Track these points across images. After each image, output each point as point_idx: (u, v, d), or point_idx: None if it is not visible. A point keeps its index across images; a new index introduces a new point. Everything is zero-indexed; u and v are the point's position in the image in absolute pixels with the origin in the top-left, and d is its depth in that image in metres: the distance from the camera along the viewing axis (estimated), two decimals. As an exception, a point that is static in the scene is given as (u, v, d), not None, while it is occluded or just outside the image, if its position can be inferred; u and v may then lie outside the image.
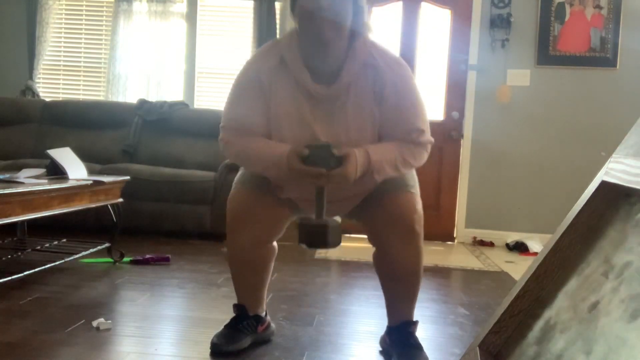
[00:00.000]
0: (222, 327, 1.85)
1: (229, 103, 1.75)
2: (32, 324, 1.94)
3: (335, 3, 1.59)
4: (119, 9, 5.25)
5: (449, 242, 4.54)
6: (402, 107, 1.69)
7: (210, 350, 1.77)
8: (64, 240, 3.13)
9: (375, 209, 1.77)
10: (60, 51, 5.45)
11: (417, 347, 1.77)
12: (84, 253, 2.81)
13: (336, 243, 1.63)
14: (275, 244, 1.97)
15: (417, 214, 1.74)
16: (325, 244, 1.63)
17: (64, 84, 5.47)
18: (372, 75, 1.66)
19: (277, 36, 5.18)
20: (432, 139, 1.78)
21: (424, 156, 1.76)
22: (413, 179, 1.83)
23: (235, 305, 1.89)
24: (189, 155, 4.35)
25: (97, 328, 1.92)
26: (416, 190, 1.80)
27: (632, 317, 0.87)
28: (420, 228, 1.74)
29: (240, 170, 1.94)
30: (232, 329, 1.83)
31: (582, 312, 1.01)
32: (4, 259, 2.67)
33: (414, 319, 1.84)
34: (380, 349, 1.89)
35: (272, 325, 1.98)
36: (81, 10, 5.44)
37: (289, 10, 1.77)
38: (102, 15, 5.43)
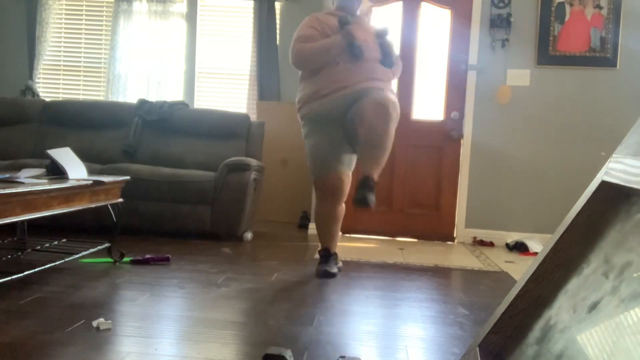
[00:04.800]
0: (221, 327, 1.84)
1: (299, 30, 2.99)
2: (32, 324, 1.94)
3: None
4: (119, 9, 5.26)
5: (449, 242, 4.54)
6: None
7: (320, 275, 2.88)
8: (64, 240, 3.13)
9: (366, 99, 2.79)
10: (60, 51, 5.46)
11: (371, 189, 2.73)
12: (84, 253, 2.81)
13: None
14: (343, 206, 3.01)
15: (392, 103, 2.80)
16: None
17: (64, 84, 5.47)
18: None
19: (277, 36, 5.18)
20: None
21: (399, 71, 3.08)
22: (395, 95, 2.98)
23: (322, 249, 3.04)
24: (189, 155, 4.35)
25: (97, 328, 1.92)
26: (396, 99, 2.92)
27: (631, 317, 0.87)
28: (393, 111, 2.78)
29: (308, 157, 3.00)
30: (327, 260, 2.95)
31: (582, 312, 1.01)
32: (4, 259, 2.67)
33: (375, 178, 2.79)
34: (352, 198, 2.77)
35: (341, 263, 3.19)
36: (81, 10, 5.44)
37: None
38: (102, 15, 5.43)
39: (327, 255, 3.04)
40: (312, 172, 3.01)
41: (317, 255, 3.56)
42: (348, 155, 2.99)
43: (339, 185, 2.96)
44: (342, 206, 3.05)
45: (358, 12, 3.06)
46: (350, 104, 2.85)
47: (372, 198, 2.69)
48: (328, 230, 3.04)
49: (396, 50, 3.11)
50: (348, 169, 3.01)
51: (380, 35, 2.96)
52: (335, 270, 2.98)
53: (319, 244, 3.10)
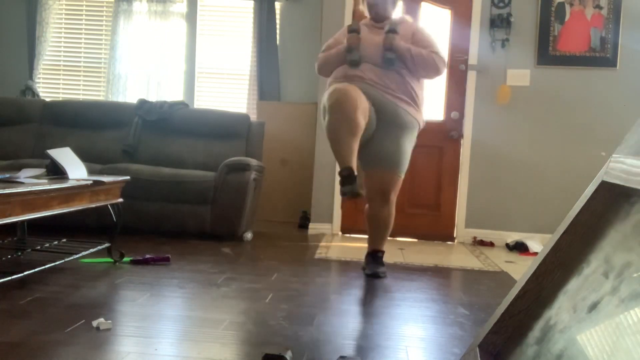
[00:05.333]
0: (221, 327, 1.84)
1: (328, 41, 3.13)
2: (32, 324, 1.94)
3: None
4: (119, 9, 5.26)
5: (449, 242, 4.54)
6: (425, 43, 2.98)
7: (346, 195, 2.63)
8: (64, 240, 3.13)
9: (372, 179, 2.97)
10: (60, 51, 5.46)
11: (381, 263, 3.07)
12: (84, 253, 2.81)
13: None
14: (363, 123, 2.76)
15: (394, 191, 2.99)
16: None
17: (64, 84, 5.47)
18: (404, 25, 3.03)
19: (277, 36, 5.18)
20: (445, 60, 2.99)
21: (441, 65, 2.95)
22: (405, 165, 3.01)
23: (342, 169, 2.66)
24: (189, 155, 4.35)
25: (97, 328, 1.92)
26: (402, 175, 3.01)
27: (631, 317, 0.87)
28: (394, 198, 3.00)
29: (324, 95, 2.86)
30: (349, 179, 2.66)
31: (582, 312, 1.01)
32: (4, 259, 2.67)
33: (382, 249, 3.09)
34: (362, 268, 3.10)
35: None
36: (81, 10, 5.44)
37: None
38: (102, 15, 5.44)
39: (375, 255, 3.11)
40: (403, 172, 3.01)
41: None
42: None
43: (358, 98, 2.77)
44: (390, 209, 3.03)
45: (392, 14, 3.07)
46: (369, 97, 2.84)
47: (382, 269, 3.05)
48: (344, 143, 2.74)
49: (424, 45, 2.96)
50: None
51: (387, 31, 2.95)
52: (381, 269, 3.05)
53: (338, 184, 2.83)
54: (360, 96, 2.73)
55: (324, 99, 2.81)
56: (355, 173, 2.65)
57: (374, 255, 3.09)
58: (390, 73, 2.91)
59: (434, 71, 2.95)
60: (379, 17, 3.05)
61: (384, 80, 2.90)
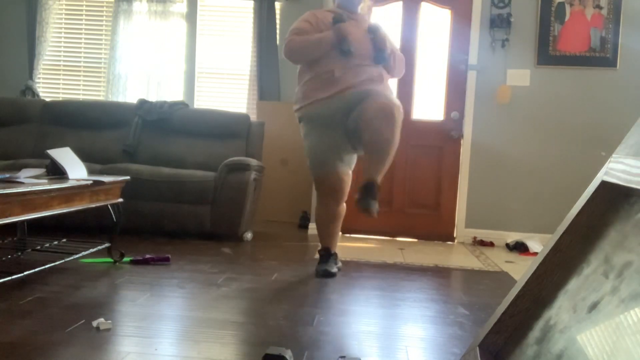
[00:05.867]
0: (221, 327, 1.84)
1: (294, 24, 2.97)
2: (32, 324, 1.94)
3: None
4: (119, 9, 5.26)
5: (449, 242, 4.54)
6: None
7: (319, 275, 2.87)
8: (64, 240, 3.13)
9: (370, 103, 2.79)
10: (60, 51, 5.46)
11: (374, 196, 2.75)
12: (84, 253, 2.81)
13: None
14: (344, 206, 3.02)
15: (397, 107, 2.77)
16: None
17: (64, 84, 5.47)
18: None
19: (277, 36, 5.18)
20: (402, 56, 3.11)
21: (404, 66, 3.11)
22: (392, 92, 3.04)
23: (322, 249, 3.04)
24: (189, 155, 4.35)
25: (97, 328, 1.92)
26: (399, 103, 2.87)
27: (631, 317, 0.87)
28: (399, 115, 2.76)
29: (309, 159, 3.01)
30: (327, 260, 2.94)
31: (582, 312, 1.01)
32: (4, 259, 2.67)
33: (378, 181, 2.79)
34: (356, 197, 2.80)
35: (340, 263, 3.19)
36: (81, 10, 5.44)
37: None
38: (102, 15, 5.43)
39: (327, 254, 3.05)
40: (312, 172, 3.02)
41: (317, 255, 3.56)
42: (348, 154, 3.00)
43: (338, 184, 2.96)
44: (343, 206, 3.06)
45: (359, 10, 3.06)
46: (350, 107, 2.86)
47: (375, 206, 2.73)
48: (328, 229, 3.05)
49: (395, 46, 3.10)
50: (348, 168, 3.01)
51: (372, 31, 2.95)
52: (335, 270, 2.98)
53: (319, 244, 3.11)
54: (344, 178, 2.98)
55: (311, 168, 3.01)
56: (332, 252, 3.06)
57: (371, 188, 2.72)
58: (372, 67, 2.92)
59: (402, 72, 3.12)
60: (348, 8, 3.02)
61: (366, 74, 2.89)
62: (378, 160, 2.74)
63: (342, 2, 3.06)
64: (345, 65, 2.87)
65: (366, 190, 2.71)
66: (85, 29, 5.45)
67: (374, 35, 2.94)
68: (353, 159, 3.06)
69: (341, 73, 2.86)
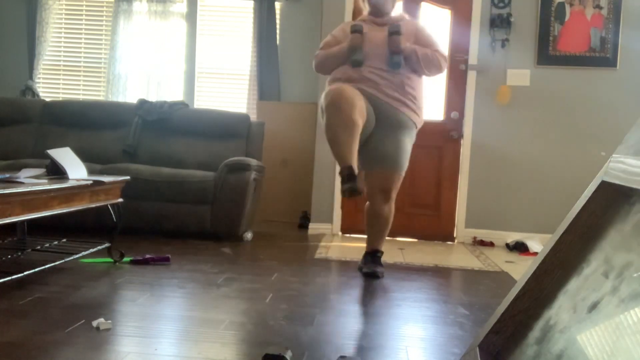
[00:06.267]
0: (221, 327, 1.84)
1: (326, 38, 3.10)
2: (32, 324, 1.94)
3: None
4: (119, 9, 5.26)
5: (449, 242, 4.54)
6: (428, 42, 3.01)
7: (346, 194, 2.59)
8: (64, 240, 3.13)
9: (372, 178, 2.97)
10: (60, 51, 5.46)
11: (379, 263, 3.06)
12: (84, 253, 2.81)
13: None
14: (360, 122, 2.74)
15: (395, 189, 2.99)
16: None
17: (64, 84, 5.48)
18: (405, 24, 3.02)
19: (277, 36, 5.18)
20: (446, 57, 3.02)
21: (443, 64, 2.98)
22: (405, 163, 3.01)
23: (342, 169, 2.65)
24: (189, 155, 4.35)
25: (97, 328, 1.92)
26: (403, 174, 3.02)
27: (631, 317, 0.87)
28: (394, 196, 3.01)
29: (324, 92, 2.83)
30: (350, 177, 2.63)
31: (582, 312, 1.01)
32: (4, 259, 2.67)
33: (381, 249, 3.10)
34: (358, 267, 3.13)
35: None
36: (81, 10, 5.44)
37: None
38: (102, 15, 5.44)
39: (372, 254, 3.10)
40: (325, 95, 2.78)
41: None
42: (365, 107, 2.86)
43: (351, 98, 2.74)
44: (388, 206, 3.03)
45: (390, 12, 3.06)
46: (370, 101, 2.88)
47: (380, 269, 3.01)
48: (373, 228, 3.08)
49: (429, 43, 2.99)
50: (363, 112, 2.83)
51: (389, 34, 2.92)
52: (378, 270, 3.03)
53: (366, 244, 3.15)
54: (357, 95, 2.74)
55: (321, 100, 2.82)
56: (356, 172, 2.63)
57: (373, 255, 3.08)
58: (393, 73, 2.90)
59: (437, 70, 2.99)
60: (378, 13, 3.03)
61: (385, 81, 2.89)
62: (377, 233, 3.05)
63: (372, 7, 3.05)
64: (362, 71, 2.89)
65: (372, 259, 3.05)
66: (85, 29, 5.45)
67: (388, 39, 2.91)
68: (368, 113, 2.87)
69: (356, 76, 2.90)
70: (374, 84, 2.88)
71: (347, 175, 2.62)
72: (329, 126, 2.69)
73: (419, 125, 3.08)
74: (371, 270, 2.98)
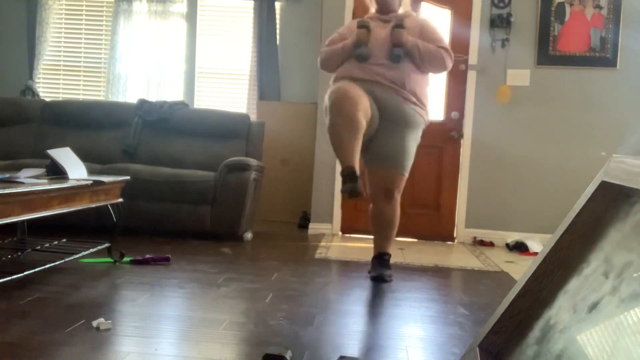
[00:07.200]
0: (221, 327, 1.84)
1: (331, 36, 3.07)
2: (32, 324, 1.94)
3: None
4: (119, 9, 5.26)
5: (449, 242, 4.54)
6: (433, 38, 2.95)
7: (346, 195, 2.56)
8: (64, 240, 3.13)
9: (376, 177, 2.92)
10: (60, 51, 5.46)
11: (387, 266, 2.95)
12: (84, 253, 2.81)
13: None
14: (364, 122, 2.70)
15: (398, 189, 2.92)
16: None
17: (64, 84, 5.48)
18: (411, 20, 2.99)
19: (277, 36, 5.18)
20: (452, 53, 2.95)
21: (448, 60, 2.92)
22: (409, 163, 2.94)
23: (344, 169, 2.60)
24: (189, 155, 4.35)
25: (97, 328, 1.92)
26: (407, 174, 2.94)
27: (631, 317, 0.87)
28: (398, 195, 2.93)
29: (328, 90, 2.81)
30: (351, 178, 2.59)
31: (582, 312, 1.01)
32: (4, 259, 2.67)
33: (389, 252, 2.99)
34: (367, 271, 2.99)
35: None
36: (81, 10, 5.44)
37: None
38: (102, 15, 5.44)
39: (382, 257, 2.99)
40: (328, 96, 2.75)
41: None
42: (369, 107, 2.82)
43: (354, 100, 2.70)
44: (395, 207, 2.96)
45: (398, 9, 3.02)
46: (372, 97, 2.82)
47: (388, 273, 2.92)
48: (381, 230, 2.99)
49: (434, 39, 2.92)
50: (367, 113, 2.80)
51: (393, 26, 2.87)
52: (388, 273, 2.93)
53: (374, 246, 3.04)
54: (361, 95, 2.69)
55: (325, 99, 2.78)
56: (357, 173, 2.60)
57: (381, 259, 2.96)
58: (396, 69, 2.85)
59: (441, 66, 2.92)
60: (384, 9, 3.01)
61: (390, 77, 2.84)
62: (382, 235, 2.98)
63: (378, 4, 3.02)
64: (364, 67, 2.86)
65: (379, 262, 2.96)
66: (85, 29, 5.45)
67: (393, 31, 2.85)
68: (373, 112, 2.82)
69: (360, 73, 2.86)
70: (377, 80, 2.85)
71: (349, 176, 2.57)
72: (332, 126, 2.65)
73: (426, 122, 3.03)
74: (378, 274, 2.88)
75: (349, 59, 2.91)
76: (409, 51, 2.85)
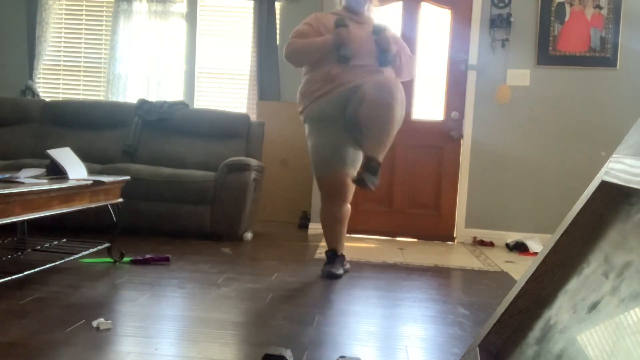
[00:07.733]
0: (221, 327, 1.84)
1: (298, 26, 2.96)
2: (32, 324, 1.94)
3: None
4: (119, 9, 5.26)
5: (449, 242, 4.54)
6: (402, 45, 3.03)
7: (324, 276, 2.87)
8: (64, 240, 3.13)
9: (367, 82, 2.75)
10: (60, 51, 5.46)
11: (374, 172, 2.72)
12: (84, 253, 2.81)
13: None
14: (348, 207, 3.03)
15: (394, 82, 2.72)
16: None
17: (64, 84, 5.47)
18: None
19: (277, 36, 5.18)
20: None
21: (415, 68, 3.07)
22: (403, 99, 2.84)
23: (328, 250, 3.03)
24: (189, 155, 4.35)
25: (97, 328, 1.92)
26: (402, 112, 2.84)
27: (631, 317, 0.87)
28: (397, 91, 2.70)
29: (312, 164, 3.01)
30: (333, 261, 2.95)
31: (582, 312, 1.01)
32: (4, 259, 2.67)
33: (379, 159, 2.74)
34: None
35: (348, 264, 3.19)
36: (81, 10, 5.44)
37: None
38: (102, 15, 5.44)
39: (333, 256, 3.04)
40: (315, 172, 2.99)
41: (320, 254, 3.56)
42: (352, 153, 2.96)
43: (341, 185, 2.94)
44: (347, 207, 3.02)
45: (365, 11, 3.01)
46: (348, 100, 2.84)
47: (372, 180, 2.66)
48: (333, 231, 3.02)
49: (404, 47, 3.02)
50: (352, 169, 2.97)
51: (376, 32, 2.91)
52: (340, 272, 2.96)
53: (325, 245, 3.11)
54: (347, 177, 2.92)
55: (314, 168, 2.98)
56: (339, 254, 3.02)
57: (368, 163, 2.74)
58: (380, 73, 2.87)
59: (412, 73, 3.06)
60: (353, 11, 2.98)
61: (368, 75, 2.84)
62: (375, 135, 2.68)
63: (348, 3, 3.02)
64: (344, 66, 2.86)
65: (365, 167, 2.68)
66: (85, 29, 5.45)
67: (378, 37, 2.89)
68: (358, 158, 2.98)
69: (338, 71, 2.85)
70: (352, 77, 2.83)
71: (329, 257, 3.02)
72: (323, 215, 3.04)
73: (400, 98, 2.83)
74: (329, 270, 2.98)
75: (328, 57, 2.88)
76: (394, 56, 2.92)
